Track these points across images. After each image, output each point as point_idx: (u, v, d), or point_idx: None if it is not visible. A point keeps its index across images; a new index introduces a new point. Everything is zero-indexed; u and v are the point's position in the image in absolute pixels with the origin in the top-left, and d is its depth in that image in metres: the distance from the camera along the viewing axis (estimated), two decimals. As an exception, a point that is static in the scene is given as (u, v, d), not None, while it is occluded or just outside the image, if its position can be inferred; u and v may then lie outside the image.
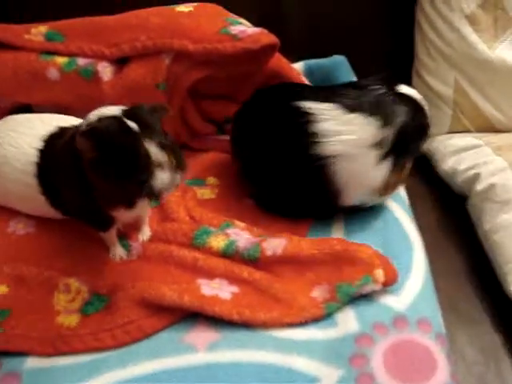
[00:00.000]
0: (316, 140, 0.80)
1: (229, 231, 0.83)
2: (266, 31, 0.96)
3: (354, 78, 1.09)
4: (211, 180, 0.98)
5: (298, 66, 1.14)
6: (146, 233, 0.83)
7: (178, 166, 0.67)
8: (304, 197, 0.87)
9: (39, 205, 0.81)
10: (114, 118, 0.66)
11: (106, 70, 0.95)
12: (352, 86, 0.84)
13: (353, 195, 0.85)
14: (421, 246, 0.83)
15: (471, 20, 1.14)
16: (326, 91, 0.84)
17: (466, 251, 0.97)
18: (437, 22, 1.16)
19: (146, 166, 0.64)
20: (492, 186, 0.96)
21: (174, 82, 0.96)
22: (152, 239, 0.83)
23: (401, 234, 0.85)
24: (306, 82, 1.05)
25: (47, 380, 0.67)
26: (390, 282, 0.74)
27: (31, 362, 0.69)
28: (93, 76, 0.95)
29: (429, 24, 1.18)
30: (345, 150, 0.80)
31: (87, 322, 0.73)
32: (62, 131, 0.79)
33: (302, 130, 0.81)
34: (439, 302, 0.76)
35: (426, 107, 0.84)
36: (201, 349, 0.69)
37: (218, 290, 0.74)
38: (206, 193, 0.95)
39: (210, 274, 0.77)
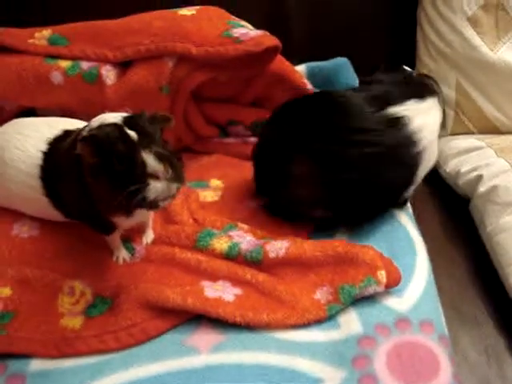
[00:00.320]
0: (413, 140, 0.81)
1: (232, 233, 0.84)
2: (268, 34, 0.96)
3: (357, 80, 1.09)
4: (214, 182, 0.98)
5: (300, 68, 1.14)
6: (149, 236, 0.84)
7: (175, 176, 0.66)
8: (377, 198, 0.84)
9: (43, 207, 0.82)
10: (114, 125, 0.67)
11: (109, 74, 0.96)
12: (385, 82, 0.84)
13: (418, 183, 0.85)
14: (423, 247, 0.83)
15: (473, 22, 1.14)
16: (378, 95, 0.82)
17: (468, 252, 0.97)
18: (438, 23, 1.17)
19: (141, 176, 0.64)
20: (494, 188, 0.96)
21: (177, 84, 0.97)
22: (155, 242, 0.83)
23: (403, 235, 0.85)
24: (309, 84, 1.06)
25: (51, 382, 0.67)
26: (393, 284, 0.74)
27: (35, 364, 0.69)
28: (96, 79, 0.95)
29: (430, 25, 1.18)
30: (431, 138, 0.82)
31: (91, 325, 0.73)
32: (67, 134, 0.79)
33: (400, 136, 0.80)
34: (442, 303, 0.76)
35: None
36: (204, 351, 0.69)
37: (221, 292, 0.75)
38: (209, 195, 0.95)
39: (214, 276, 0.78)
